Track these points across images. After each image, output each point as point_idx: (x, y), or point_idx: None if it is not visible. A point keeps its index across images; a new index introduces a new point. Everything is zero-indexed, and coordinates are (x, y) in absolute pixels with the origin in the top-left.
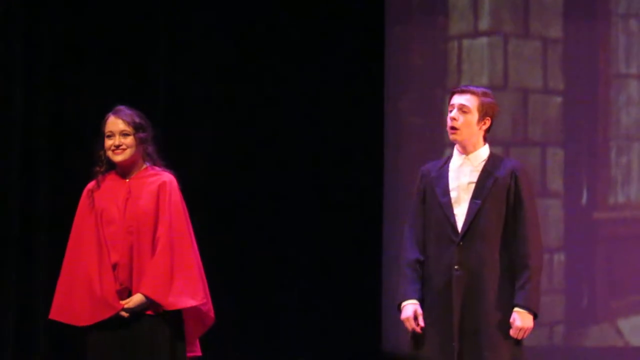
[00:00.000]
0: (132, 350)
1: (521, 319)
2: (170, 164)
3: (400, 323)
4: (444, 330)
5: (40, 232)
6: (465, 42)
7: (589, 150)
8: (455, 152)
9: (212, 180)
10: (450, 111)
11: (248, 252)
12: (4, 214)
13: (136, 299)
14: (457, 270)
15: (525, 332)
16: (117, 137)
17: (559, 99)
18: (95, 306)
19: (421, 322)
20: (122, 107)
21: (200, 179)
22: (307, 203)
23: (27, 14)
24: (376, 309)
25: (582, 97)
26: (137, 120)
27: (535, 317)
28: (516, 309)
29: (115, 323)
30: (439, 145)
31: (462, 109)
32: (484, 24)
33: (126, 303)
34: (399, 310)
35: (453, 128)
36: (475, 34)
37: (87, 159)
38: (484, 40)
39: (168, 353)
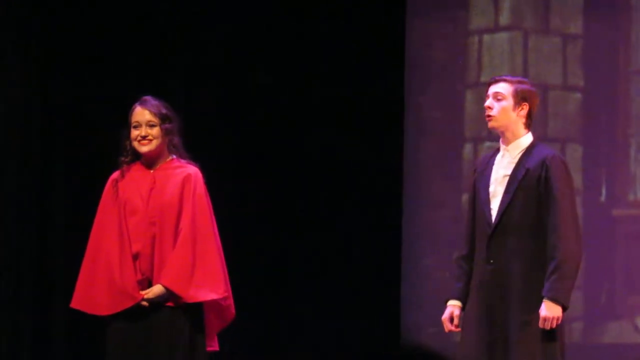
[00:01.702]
0: (152, 341)
1: (546, 309)
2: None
3: (420, 308)
4: (480, 323)
5: (58, 229)
6: (486, 37)
7: (609, 146)
8: (500, 143)
9: (230, 174)
10: (486, 102)
11: (266, 247)
12: (22, 207)
13: (156, 289)
14: (490, 264)
15: (551, 322)
16: (144, 127)
17: (578, 95)
18: (116, 296)
19: (455, 324)
20: (148, 98)
21: (216, 172)
22: (326, 196)
23: (42, 13)
24: (395, 303)
25: (602, 94)
26: (164, 111)
27: (564, 308)
28: (544, 299)
29: (135, 313)
30: (459, 141)
31: (497, 96)
32: (504, 19)
33: (146, 293)
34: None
35: (489, 116)
36: (496, 29)
37: (103, 153)
38: (504, 35)
39: (187, 345)
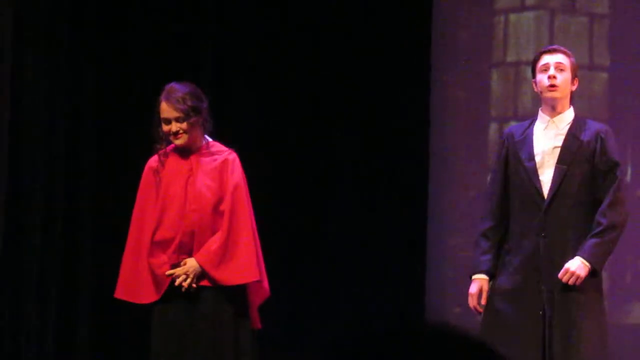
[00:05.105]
0: (197, 324)
1: (574, 264)
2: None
3: (445, 288)
4: (531, 295)
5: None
6: (512, 17)
7: (635, 126)
8: (540, 114)
9: (260, 150)
10: (546, 70)
11: (295, 224)
12: (48, 202)
13: (190, 262)
14: (544, 236)
15: (571, 277)
16: (173, 123)
17: (604, 75)
18: (157, 282)
19: (483, 301)
20: (172, 88)
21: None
22: (351, 176)
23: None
24: (420, 283)
25: (628, 74)
26: (189, 103)
27: (592, 271)
28: (577, 256)
29: (179, 296)
30: (484, 120)
31: (559, 67)
32: None
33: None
34: (470, 279)
35: (553, 86)
36: (522, 8)
37: (132, 139)
38: (530, 14)
39: (232, 327)
